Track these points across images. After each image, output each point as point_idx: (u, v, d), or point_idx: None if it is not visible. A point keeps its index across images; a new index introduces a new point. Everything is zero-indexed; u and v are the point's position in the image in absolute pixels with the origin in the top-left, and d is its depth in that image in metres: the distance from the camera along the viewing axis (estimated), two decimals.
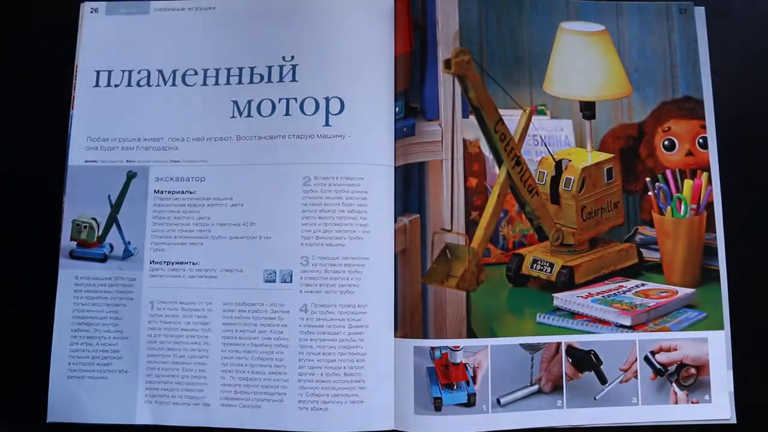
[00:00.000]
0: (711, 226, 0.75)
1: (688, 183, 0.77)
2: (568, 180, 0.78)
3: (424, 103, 0.76)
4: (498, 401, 0.71)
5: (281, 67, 0.77)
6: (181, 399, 0.73)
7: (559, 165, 0.79)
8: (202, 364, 0.73)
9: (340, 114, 0.75)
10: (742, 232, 0.76)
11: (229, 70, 0.78)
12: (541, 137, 0.79)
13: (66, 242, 0.76)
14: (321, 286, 0.73)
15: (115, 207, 0.76)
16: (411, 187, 0.75)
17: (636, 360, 0.72)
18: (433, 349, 0.72)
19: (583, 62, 0.78)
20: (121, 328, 0.74)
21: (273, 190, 0.75)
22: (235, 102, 0.77)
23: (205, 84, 0.78)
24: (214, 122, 0.77)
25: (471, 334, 0.72)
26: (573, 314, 0.74)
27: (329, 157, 0.75)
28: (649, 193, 0.77)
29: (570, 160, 0.79)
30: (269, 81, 0.77)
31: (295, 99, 0.76)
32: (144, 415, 0.73)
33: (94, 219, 0.76)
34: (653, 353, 0.72)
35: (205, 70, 0.79)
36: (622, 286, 0.77)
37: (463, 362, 0.71)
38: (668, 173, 0.77)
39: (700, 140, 0.77)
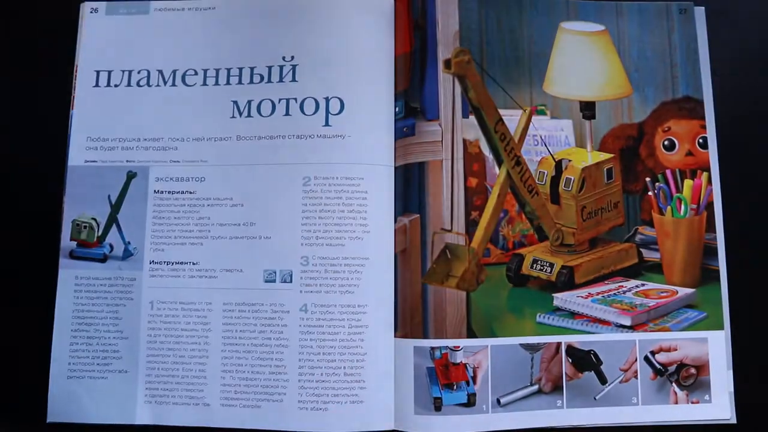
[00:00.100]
0: (711, 226, 0.75)
1: (688, 183, 0.77)
2: (568, 180, 0.78)
3: (424, 103, 0.76)
4: (498, 401, 0.71)
5: (281, 67, 0.77)
6: (181, 399, 0.73)
7: (559, 165, 0.79)
8: (202, 364, 0.73)
9: (340, 114, 0.75)
10: (742, 232, 0.76)
11: (229, 70, 0.78)
12: (541, 137, 0.79)
13: (66, 242, 0.76)
14: (321, 286, 0.73)
15: (115, 207, 0.76)
16: (411, 187, 0.75)
17: (636, 360, 0.72)
18: (433, 349, 0.72)
19: (583, 62, 0.78)
20: (121, 328, 0.74)
21: (273, 190, 0.75)
22: (235, 102, 0.77)
23: (205, 84, 0.78)
24: (214, 122, 0.77)
25: (471, 334, 0.72)
26: (573, 314, 0.74)
27: (329, 157, 0.75)
28: (649, 193, 0.77)
29: (570, 160, 0.79)
30: (269, 81, 0.77)
31: (295, 99, 0.76)
32: (144, 415, 0.73)
33: (94, 219, 0.76)
34: (653, 353, 0.72)
35: (205, 70, 0.79)
36: (622, 286, 0.77)
37: (463, 362, 0.71)
38: (668, 173, 0.77)
39: (700, 140, 0.77)
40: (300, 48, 0.77)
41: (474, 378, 0.71)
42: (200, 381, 0.73)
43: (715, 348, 0.72)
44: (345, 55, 0.77)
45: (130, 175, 0.77)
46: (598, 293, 0.75)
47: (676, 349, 0.72)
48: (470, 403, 0.71)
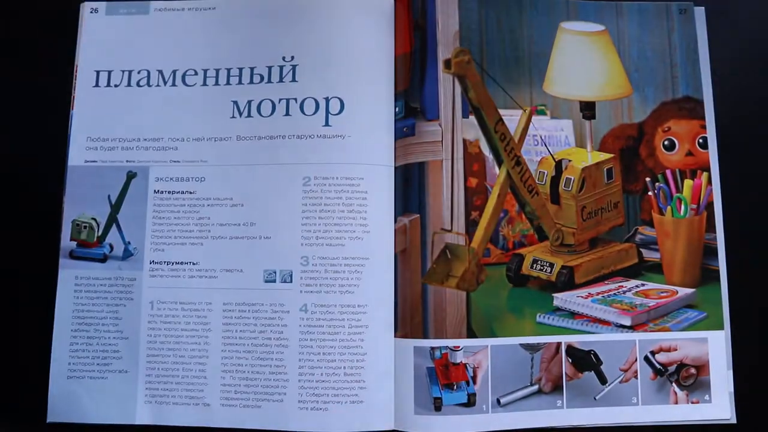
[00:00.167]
0: (711, 226, 0.75)
1: (688, 183, 0.77)
2: (568, 180, 0.78)
3: (424, 103, 0.76)
4: (498, 401, 0.71)
5: (281, 67, 0.77)
6: (181, 399, 0.73)
7: (559, 165, 0.79)
8: (202, 364, 0.73)
9: (340, 114, 0.75)
10: (742, 232, 0.76)
11: (229, 70, 0.78)
12: (541, 137, 0.79)
13: (66, 242, 0.76)
14: (321, 286, 0.73)
15: (115, 207, 0.76)
16: (411, 187, 0.75)
17: (636, 360, 0.72)
18: (433, 349, 0.72)
19: (583, 62, 0.78)
20: (121, 328, 0.74)
21: (273, 190, 0.75)
22: (235, 102, 0.77)
23: (205, 84, 0.78)
24: (214, 122, 0.77)
25: (471, 334, 0.72)
26: (573, 314, 0.74)
27: (329, 157, 0.75)
28: (649, 193, 0.77)
29: (570, 160, 0.79)
30: (269, 81, 0.77)
31: (295, 99, 0.76)
32: (144, 415, 0.73)
33: (94, 219, 0.76)
34: (653, 353, 0.72)
35: (205, 71, 0.79)
36: (622, 286, 0.77)
37: (463, 362, 0.71)
38: (668, 173, 0.77)
39: (700, 140, 0.77)
40: (300, 48, 0.77)
41: (474, 378, 0.71)
42: (200, 381, 0.73)
43: (715, 348, 0.72)
44: (345, 55, 0.77)
45: (130, 175, 0.77)
46: (598, 293, 0.75)
47: (676, 349, 0.72)
48: (470, 403, 0.71)
